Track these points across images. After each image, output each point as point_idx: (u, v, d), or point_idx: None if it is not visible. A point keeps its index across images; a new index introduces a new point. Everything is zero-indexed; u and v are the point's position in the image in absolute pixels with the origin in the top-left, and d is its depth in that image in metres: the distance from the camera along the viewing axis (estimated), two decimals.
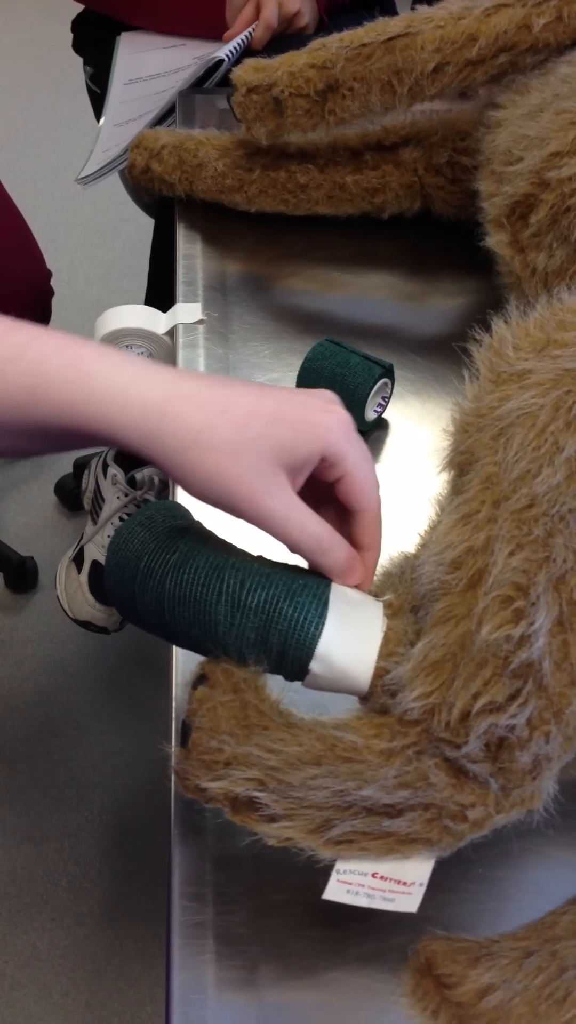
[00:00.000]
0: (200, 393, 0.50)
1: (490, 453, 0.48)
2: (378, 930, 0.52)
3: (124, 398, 0.49)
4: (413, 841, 0.48)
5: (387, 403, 0.80)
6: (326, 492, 0.54)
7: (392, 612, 0.51)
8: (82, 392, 0.49)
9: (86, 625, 1.54)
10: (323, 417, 0.51)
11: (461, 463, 0.50)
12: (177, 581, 0.50)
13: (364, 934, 0.53)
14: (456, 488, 0.50)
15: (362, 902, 0.49)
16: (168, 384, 0.50)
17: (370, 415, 0.78)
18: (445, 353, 0.86)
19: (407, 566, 0.53)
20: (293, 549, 0.51)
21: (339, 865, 0.49)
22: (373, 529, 0.53)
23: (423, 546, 0.52)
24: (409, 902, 0.49)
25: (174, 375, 0.51)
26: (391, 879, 0.48)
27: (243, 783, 0.47)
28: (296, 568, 0.51)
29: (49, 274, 1.37)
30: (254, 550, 0.53)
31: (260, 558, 0.52)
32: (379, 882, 0.48)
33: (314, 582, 0.50)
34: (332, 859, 0.49)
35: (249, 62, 0.86)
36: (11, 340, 0.50)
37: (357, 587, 0.53)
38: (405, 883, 0.48)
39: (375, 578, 0.54)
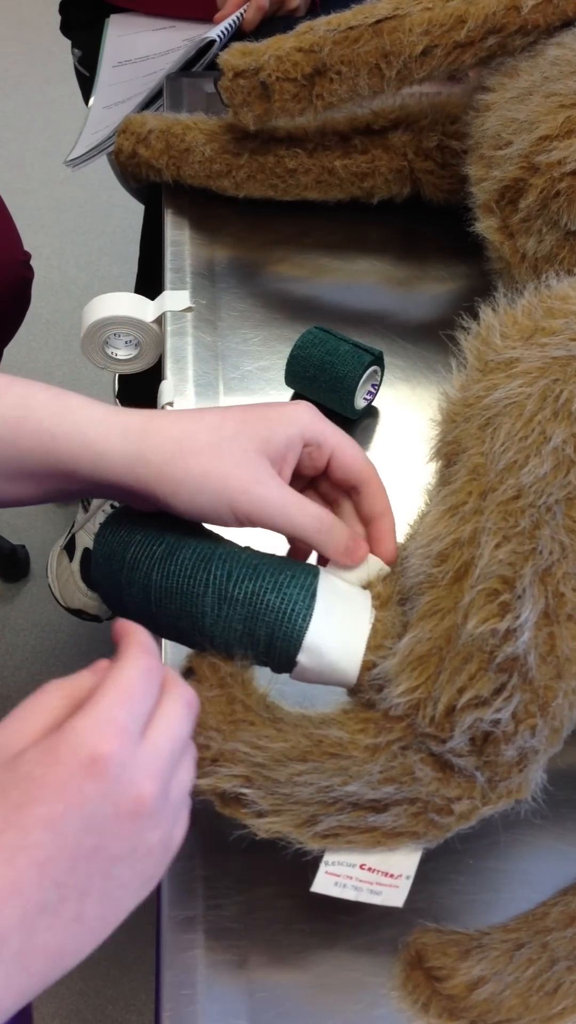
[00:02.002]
0: (172, 414, 0.52)
1: (477, 443, 0.48)
2: (368, 923, 0.52)
3: (105, 425, 0.51)
4: (399, 835, 0.48)
5: (377, 390, 0.79)
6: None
7: (380, 603, 0.50)
8: (66, 421, 0.51)
9: (78, 613, 1.54)
10: (290, 408, 0.53)
11: (448, 453, 0.50)
12: (164, 572, 0.50)
13: (354, 927, 0.52)
14: (443, 479, 0.50)
15: (349, 895, 0.49)
16: (144, 413, 0.52)
17: (360, 403, 0.77)
18: (435, 339, 0.86)
19: (396, 556, 0.52)
20: (295, 533, 0.51)
21: (327, 856, 0.49)
22: (381, 495, 0.55)
23: (411, 537, 0.51)
24: (396, 896, 0.48)
25: (147, 411, 0.53)
26: (378, 871, 0.48)
27: (230, 780, 0.47)
28: (284, 559, 0.51)
29: (27, 256, 1.35)
30: (242, 541, 0.52)
31: (248, 549, 0.51)
32: (367, 874, 0.48)
33: (302, 573, 0.50)
34: (320, 851, 0.49)
35: (236, 46, 0.85)
36: None
37: (382, 558, 0.54)
38: (392, 875, 0.48)
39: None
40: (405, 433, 0.78)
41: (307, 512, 0.51)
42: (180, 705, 0.43)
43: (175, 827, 0.42)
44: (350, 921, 0.52)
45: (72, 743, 0.38)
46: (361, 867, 0.49)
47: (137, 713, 0.40)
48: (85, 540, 1.53)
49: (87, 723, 0.39)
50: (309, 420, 0.53)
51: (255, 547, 0.52)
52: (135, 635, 0.43)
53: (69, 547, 1.56)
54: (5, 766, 0.39)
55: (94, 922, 0.39)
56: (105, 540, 0.53)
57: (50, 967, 0.38)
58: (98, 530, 0.54)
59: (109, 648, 0.42)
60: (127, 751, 0.39)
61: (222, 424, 0.51)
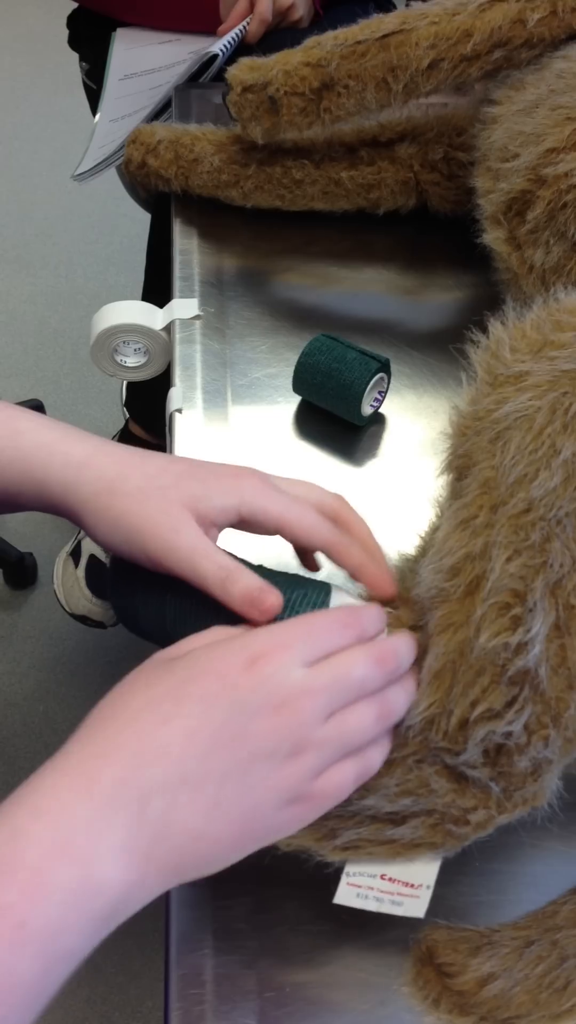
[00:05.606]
0: (119, 452, 0.52)
1: (488, 457, 0.48)
2: (375, 923, 0.53)
3: (48, 453, 0.52)
4: (418, 846, 0.48)
5: (384, 397, 0.80)
6: None
7: (399, 625, 0.50)
8: (12, 448, 0.52)
9: (83, 620, 1.54)
10: (234, 480, 0.52)
11: (460, 467, 0.50)
12: (178, 596, 0.50)
13: (361, 927, 0.53)
14: (455, 492, 0.50)
15: (371, 906, 0.49)
16: (93, 445, 0.53)
17: (366, 410, 0.78)
18: (441, 348, 0.86)
19: (406, 571, 0.52)
20: (198, 582, 0.49)
21: (348, 867, 0.49)
22: (347, 552, 0.53)
23: (423, 551, 0.52)
24: (417, 906, 0.49)
25: (101, 440, 0.53)
26: (399, 881, 0.49)
27: None
28: (297, 577, 0.51)
29: None
30: (254, 559, 0.52)
31: (261, 567, 0.51)
32: (388, 884, 0.49)
33: (313, 591, 0.50)
34: (341, 863, 0.49)
35: (244, 61, 0.86)
36: None
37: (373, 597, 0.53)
38: (413, 885, 0.49)
39: None
40: (411, 439, 0.79)
41: (213, 561, 0.49)
42: (364, 656, 0.45)
43: (331, 768, 0.44)
44: (357, 922, 0.53)
45: (239, 645, 0.43)
46: (382, 878, 0.49)
47: (311, 645, 0.43)
48: (91, 547, 1.54)
49: (259, 635, 0.44)
50: (251, 496, 0.51)
51: (267, 564, 0.52)
52: (359, 609, 0.46)
53: (75, 554, 1.56)
54: (179, 657, 0.44)
55: (232, 816, 0.41)
56: (119, 563, 0.53)
57: (187, 847, 0.40)
58: (112, 555, 0.54)
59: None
60: (288, 664, 0.42)
61: (160, 474, 0.51)
